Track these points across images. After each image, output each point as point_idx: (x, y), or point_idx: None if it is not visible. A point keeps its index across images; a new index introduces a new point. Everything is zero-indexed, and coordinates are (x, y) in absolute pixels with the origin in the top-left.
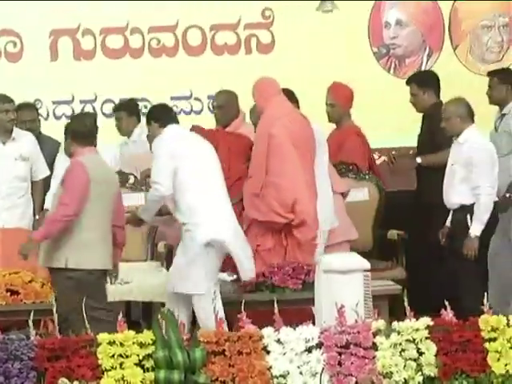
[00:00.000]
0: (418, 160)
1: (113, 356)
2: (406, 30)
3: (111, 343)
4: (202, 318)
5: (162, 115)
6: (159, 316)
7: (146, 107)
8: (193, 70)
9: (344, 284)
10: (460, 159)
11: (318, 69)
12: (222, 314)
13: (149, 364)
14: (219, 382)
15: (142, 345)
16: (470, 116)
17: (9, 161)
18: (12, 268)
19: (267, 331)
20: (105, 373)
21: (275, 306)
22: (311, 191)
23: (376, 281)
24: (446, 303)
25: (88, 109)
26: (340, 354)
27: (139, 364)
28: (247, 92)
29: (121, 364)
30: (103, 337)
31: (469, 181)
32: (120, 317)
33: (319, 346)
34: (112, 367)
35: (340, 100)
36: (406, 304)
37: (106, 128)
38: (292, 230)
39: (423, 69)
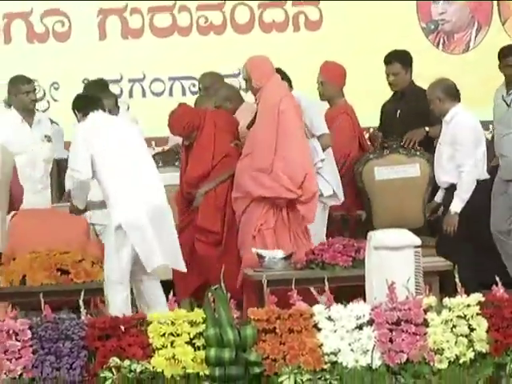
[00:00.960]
0: (427, 129)
1: (163, 335)
2: (455, 5)
3: (162, 322)
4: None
5: (83, 105)
6: (209, 294)
7: (194, 85)
8: (241, 47)
9: (395, 260)
10: (446, 138)
11: (365, 46)
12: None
13: (199, 342)
14: (270, 359)
15: (192, 323)
16: (451, 95)
17: (37, 143)
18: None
19: (318, 308)
20: (155, 351)
21: (326, 283)
22: (314, 170)
23: (427, 257)
24: (497, 279)
25: (136, 88)
26: (391, 330)
27: (190, 342)
28: (295, 69)
29: (172, 342)
30: (154, 315)
31: (454, 159)
32: (170, 295)
33: (370, 323)
34: (163, 346)
35: (331, 78)
36: (457, 280)
37: (155, 107)
38: (296, 205)
39: (472, 45)
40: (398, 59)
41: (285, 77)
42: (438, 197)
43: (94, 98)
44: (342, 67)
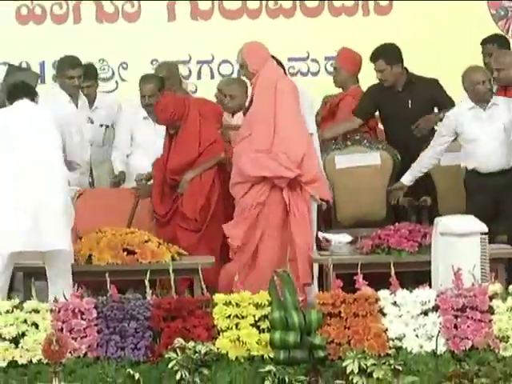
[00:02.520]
0: (441, 115)
1: (229, 316)
2: None
3: (227, 304)
4: None
5: (9, 93)
6: (275, 277)
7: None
8: (310, 31)
9: (461, 247)
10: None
11: (434, 32)
12: None
13: (264, 325)
14: (335, 343)
15: (257, 306)
16: None
17: (84, 125)
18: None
19: (383, 293)
20: (220, 333)
21: (391, 268)
22: (313, 150)
23: (493, 244)
24: None
25: (204, 69)
26: (456, 317)
27: (255, 325)
28: (365, 54)
29: (236, 324)
30: (219, 297)
31: None
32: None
33: (435, 308)
34: (228, 328)
35: (346, 64)
36: None
37: None
38: (304, 187)
39: None
40: (382, 56)
41: (279, 64)
42: (406, 179)
43: (23, 86)
44: (358, 55)
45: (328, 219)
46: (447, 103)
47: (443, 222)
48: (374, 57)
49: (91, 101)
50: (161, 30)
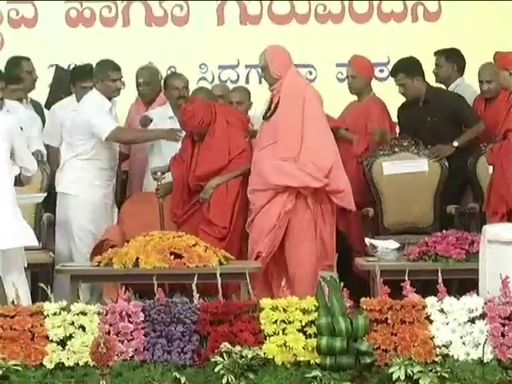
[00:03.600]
0: (456, 144)
1: (275, 321)
2: None
3: (274, 308)
4: None
5: None
6: (322, 282)
7: (310, 73)
8: (358, 36)
9: (509, 255)
10: None
11: (483, 37)
12: None
13: (311, 330)
14: (381, 350)
15: (304, 311)
16: None
17: None
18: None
19: (430, 300)
20: (267, 338)
21: (439, 275)
22: (340, 159)
23: None
24: None
25: (252, 74)
26: (503, 325)
27: (302, 330)
28: None
29: (283, 330)
30: (266, 302)
31: None
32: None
33: (482, 316)
34: (274, 332)
35: (362, 71)
36: None
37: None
38: (330, 196)
39: None
40: (402, 69)
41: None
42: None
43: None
44: (369, 61)
45: (375, 225)
46: (471, 120)
47: (491, 230)
48: (394, 71)
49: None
50: (209, 34)
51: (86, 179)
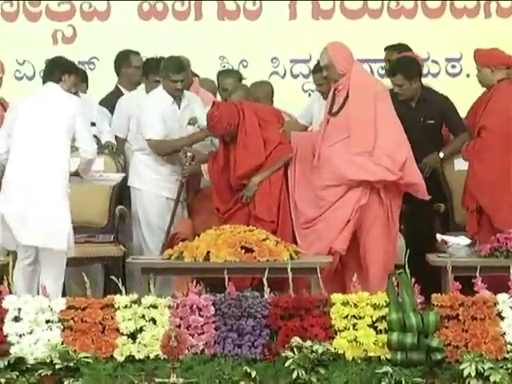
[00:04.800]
0: (441, 155)
1: (346, 317)
2: None
3: (345, 304)
4: None
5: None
6: (393, 278)
7: (382, 68)
8: (431, 32)
9: None
10: None
11: None
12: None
13: (382, 326)
14: (452, 346)
15: (375, 306)
16: None
17: (183, 127)
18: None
19: (502, 297)
20: (337, 333)
21: (511, 271)
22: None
23: None
24: None
25: None
26: None
27: (372, 325)
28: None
29: (354, 325)
30: (337, 297)
31: None
32: None
33: None
34: (345, 328)
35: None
36: None
37: None
38: (405, 189)
39: None
40: (400, 71)
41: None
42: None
43: (50, 67)
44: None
45: (446, 221)
46: (457, 127)
47: None
48: (393, 71)
49: None
50: (281, 28)
51: (148, 173)
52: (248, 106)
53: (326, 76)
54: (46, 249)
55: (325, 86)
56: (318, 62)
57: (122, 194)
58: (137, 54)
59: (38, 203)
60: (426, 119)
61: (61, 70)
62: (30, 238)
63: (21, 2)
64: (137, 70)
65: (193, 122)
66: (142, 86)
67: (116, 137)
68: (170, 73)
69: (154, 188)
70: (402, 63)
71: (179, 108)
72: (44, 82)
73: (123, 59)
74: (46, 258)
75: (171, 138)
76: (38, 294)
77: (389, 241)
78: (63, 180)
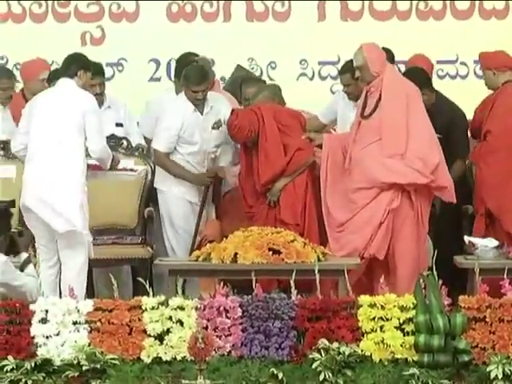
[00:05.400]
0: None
1: (373, 318)
2: None
3: (372, 305)
4: None
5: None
6: (421, 280)
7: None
8: (460, 33)
9: None
10: None
11: None
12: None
13: (409, 328)
14: (479, 348)
15: (402, 308)
16: None
17: (207, 132)
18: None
19: None
20: (365, 335)
21: None
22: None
23: None
24: None
25: None
26: None
27: (399, 327)
28: None
29: (381, 327)
30: (364, 299)
31: None
32: None
33: None
34: (372, 330)
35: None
36: None
37: None
38: (433, 192)
39: None
40: (413, 81)
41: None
42: None
43: (67, 64)
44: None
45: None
46: (459, 146)
47: None
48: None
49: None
50: (310, 29)
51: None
52: (267, 110)
53: (358, 77)
54: (65, 243)
55: (352, 86)
56: (346, 63)
57: (151, 195)
58: (197, 56)
59: (53, 200)
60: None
61: (77, 66)
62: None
63: (49, 3)
64: None
65: (217, 125)
66: (172, 87)
67: (144, 137)
68: (190, 84)
69: (177, 190)
70: (411, 74)
71: (202, 114)
72: (59, 78)
73: (184, 62)
74: (66, 255)
75: (192, 144)
76: (60, 295)
77: (418, 243)
78: (79, 178)
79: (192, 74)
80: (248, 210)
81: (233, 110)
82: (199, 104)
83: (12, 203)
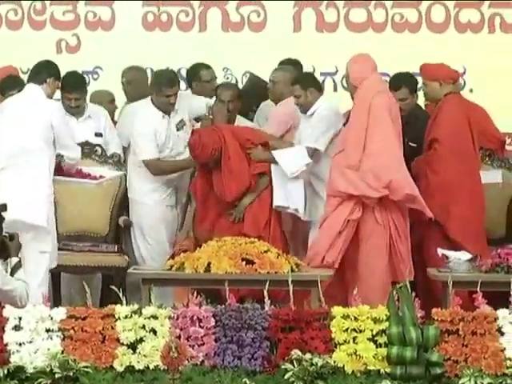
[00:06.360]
0: None
1: (346, 330)
2: None
3: (345, 317)
4: None
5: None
6: (394, 292)
7: (386, 81)
8: (435, 46)
9: None
10: None
11: None
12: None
13: (382, 340)
14: (451, 361)
15: (376, 320)
16: None
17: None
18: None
19: (502, 312)
20: (337, 346)
21: (511, 287)
22: (405, 168)
23: None
24: None
25: (328, 82)
26: None
27: (372, 339)
28: (490, 70)
29: (354, 338)
30: (337, 310)
31: None
32: None
33: None
34: (345, 341)
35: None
36: None
37: (346, 102)
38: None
39: None
40: (406, 84)
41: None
42: None
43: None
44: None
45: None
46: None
47: None
48: (399, 84)
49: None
50: (285, 40)
51: (142, 183)
52: (226, 129)
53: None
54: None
55: (302, 98)
56: (299, 77)
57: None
58: (207, 67)
59: (19, 212)
60: (409, 141)
61: (48, 73)
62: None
63: (25, 10)
64: (207, 83)
65: (180, 126)
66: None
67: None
68: (163, 87)
69: (148, 199)
70: (406, 77)
71: (169, 117)
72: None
73: (192, 74)
74: (29, 259)
75: (165, 152)
76: None
77: (392, 255)
78: (45, 190)
79: (164, 77)
80: (204, 224)
81: (193, 131)
82: (169, 110)
83: (3, 207)
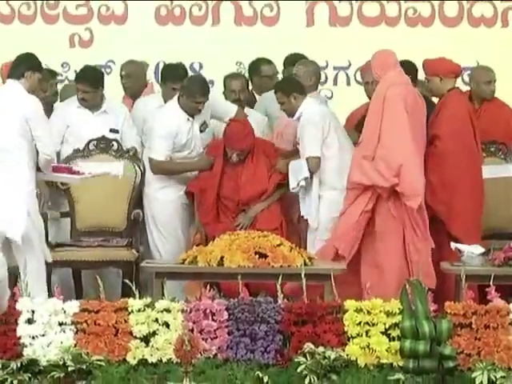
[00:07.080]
0: None
1: (359, 323)
2: None
3: (358, 310)
4: None
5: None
6: (407, 285)
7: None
8: (448, 40)
9: None
10: None
11: None
12: None
13: (395, 333)
14: (464, 354)
15: (388, 313)
16: None
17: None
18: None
19: None
20: (350, 340)
21: None
22: (418, 161)
23: None
24: None
25: (341, 76)
26: None
27: (385, 332)
28: (503, 65)
29: (367, 332)
30: (350, 304)
31: None
32: None
33: None
34: (358, 334)
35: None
36: None
37: (359, 96)
38: (400, 197)
39: None
40: (406, 72)
41: (412, 69)
42: None
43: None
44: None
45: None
46: None
47: None
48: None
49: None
50: (299, 34)
51: (158, 178)
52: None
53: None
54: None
55: (286, 104)
56: (280, 84)
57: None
58: (269, 62)
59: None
60: None
61: (25, 66)
62: None
63: (38, 4)
64: (268, 78)
65: (203, 128)
66: (159, 92)
67: None
68: (196, 94)
69: (161, 193)
70: (406, 64)
71: (193, 119)
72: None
73: (253, 69)
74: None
75: (184, 152)
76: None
77: (398, 253)
78: (25, 186)
79: (197, 85)
80: (207, 220)
81: (231, 120)
82: (197, 114)
83: None
